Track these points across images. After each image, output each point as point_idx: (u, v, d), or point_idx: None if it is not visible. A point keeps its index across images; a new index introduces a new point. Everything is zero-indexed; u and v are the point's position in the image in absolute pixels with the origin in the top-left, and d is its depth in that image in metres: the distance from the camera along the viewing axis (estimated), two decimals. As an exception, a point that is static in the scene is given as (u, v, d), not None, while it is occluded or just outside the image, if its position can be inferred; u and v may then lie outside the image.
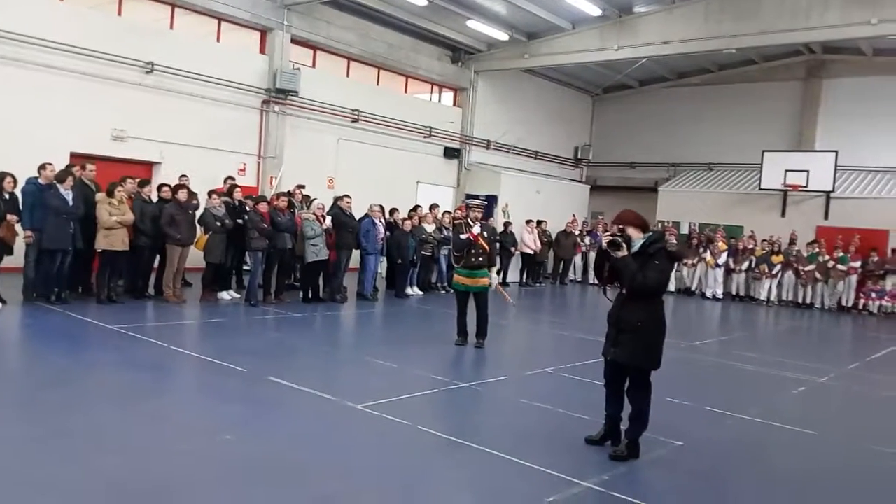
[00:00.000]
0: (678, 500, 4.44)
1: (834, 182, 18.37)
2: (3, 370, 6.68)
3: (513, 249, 17.06)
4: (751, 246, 17.74)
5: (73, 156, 11.64)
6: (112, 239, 9.59)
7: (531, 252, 17.66)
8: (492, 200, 19.53)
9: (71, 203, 9.28)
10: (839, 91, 20.32)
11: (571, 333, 11.24)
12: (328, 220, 11.57)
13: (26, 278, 9.47)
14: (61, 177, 9.29)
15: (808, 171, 18.36)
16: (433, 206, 15.04)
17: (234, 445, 4.80)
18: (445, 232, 14.30)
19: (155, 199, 10.64)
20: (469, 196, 18.19)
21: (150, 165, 13.75)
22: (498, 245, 16.08)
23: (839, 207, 18.43)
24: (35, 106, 12.09)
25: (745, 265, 17.57)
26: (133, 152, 13.44)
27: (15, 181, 9.22)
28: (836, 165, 18.28)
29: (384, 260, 13.56)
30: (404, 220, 13.39)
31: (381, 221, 12.55)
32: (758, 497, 4.72)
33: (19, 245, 9.31)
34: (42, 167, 9.42)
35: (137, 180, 10.62)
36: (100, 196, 9.77)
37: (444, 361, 8.05)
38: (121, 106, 13.21)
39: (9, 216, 9.05)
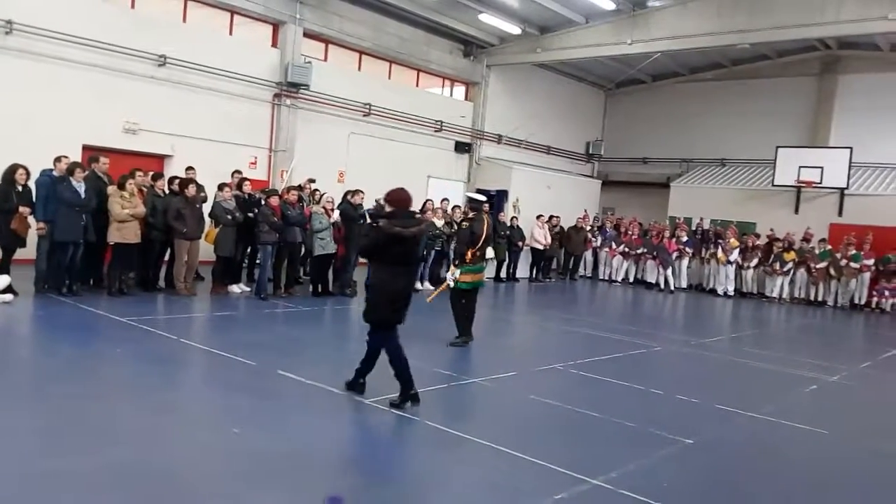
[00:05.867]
0: (688, 498, 4.41)
1: (848, 179, 18.19)
2: (14, 361, 6.73)
3: (520, 244, 17.05)
4: (759, 243, 17.64)
5: (86, 148, 11.70)
6: (125, 232, 9.63)
7: (541, 247, 17.61)
8: (502, 195, 19.50)
9: (83, 195, 9.31)
10: (854, 87, 20.06)
11: (581, 329, 11.18)
12: (336, 213, 11.59)
13: (38, 270, 9.51)
14: (70, 169, 9.31)
15: (822, 168, 18.20)
16: (443, 201, 15.02)
17: (241, 439, 4.81)
18: (455, 227, 14.29)
19: (167, 192, 10.67)
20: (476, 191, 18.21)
21: (161, 158, 13.79)
22: (504, 240, 16.18)
23: (853, 205, 18.25)
24: (48, 98, 12.14)
25: (753, 262, 17.48)
26: (145, 145, 13.49)
27: (28, 173, 9.27)
28: (850, 162, 18.10)
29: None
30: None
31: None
32: (768, 496, 4.68)
33: (32, 237, 9.38)
34: (57, 159, 9.45)
35: (150, 174, 10.68)
36: (111, 189, 9.80)
37: (452, 357, 8.03)
38: (133, 99, 13.25)
39: (21, 208, 9.11)
